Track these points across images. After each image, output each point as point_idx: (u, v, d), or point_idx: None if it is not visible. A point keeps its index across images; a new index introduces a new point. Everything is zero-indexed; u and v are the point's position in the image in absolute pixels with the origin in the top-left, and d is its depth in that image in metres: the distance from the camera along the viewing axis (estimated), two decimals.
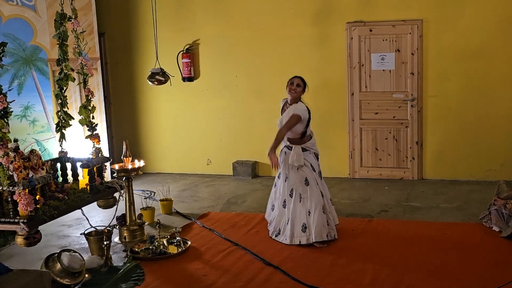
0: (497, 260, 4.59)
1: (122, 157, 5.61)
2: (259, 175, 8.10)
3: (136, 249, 5.01)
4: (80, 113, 5.13)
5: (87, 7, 7.26)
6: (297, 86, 5.18)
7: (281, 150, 5.35)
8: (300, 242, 5.07)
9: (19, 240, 4.00)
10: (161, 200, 6.39)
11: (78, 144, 6.04)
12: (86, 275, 4.45)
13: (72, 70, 5.11)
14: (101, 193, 4.96)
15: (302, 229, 5.07)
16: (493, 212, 5.29)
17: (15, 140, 4.14)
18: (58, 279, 4.22)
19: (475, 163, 7.28)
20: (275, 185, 5.49)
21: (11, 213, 4.01)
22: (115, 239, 5.42)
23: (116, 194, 5.18)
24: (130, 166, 5.54)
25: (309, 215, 5.06)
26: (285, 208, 5.24)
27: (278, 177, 5.42)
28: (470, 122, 7.25)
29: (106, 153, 6.79)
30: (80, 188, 4.86)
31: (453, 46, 7.18)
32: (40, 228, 4.20)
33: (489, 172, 7.23)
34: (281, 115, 5.33)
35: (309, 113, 5.20)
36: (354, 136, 7.63)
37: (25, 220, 3.94)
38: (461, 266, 4.50)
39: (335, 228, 5.22)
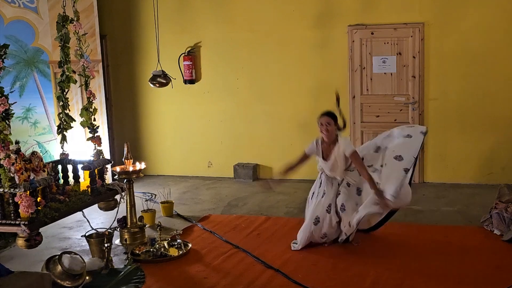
0: (498, 264, 4.58)
1: (123, 159, 5.61)
2: (260, 177, 8.09)
3: (137, 252, 5.01)
4: (81, 115, 5.14)
5: (89, 9, 7.27)
6: (328, 124, 4.92)
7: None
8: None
9: (20, 242, 3.99)
10: (162, 203, 6.38)
11: (80, 146, 6.05)
12: (87, 277, 4.45)
13: (74, 72, 5.12)
14: (102, 195, 4.96)
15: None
16: (495, 215, 5.28)
17: (17, 142, 4.14)
18: (59, 281, 4.22)
19: (477, 166, 7.27)
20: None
21: (12, 215, 4.00)
22: (116, 241, 5.41)
23: (117, 196, 5.18)
24: (131, 168, 5.53)
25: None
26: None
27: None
28: (471, 125, 7.25)
29: (107, 155, 6.80)
30: (81, 190, 4.86)
31: (454, 49, 7.18)
32: (41, 230, 4.20)
33: (491, 175, 7.22)
34: (319, 156, 5.05)
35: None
36: (356, 139, 7.63)
37: (26, 222, 3.94)
38: (462, 270, 4.49)
39: None
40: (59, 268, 4.27)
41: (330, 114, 5.00)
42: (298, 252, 4.98)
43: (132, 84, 8.54)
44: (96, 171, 4.89)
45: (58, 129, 5.13)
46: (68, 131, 5.17)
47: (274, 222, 5.90)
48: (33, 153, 4.40)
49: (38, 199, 4.13)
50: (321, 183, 5.17)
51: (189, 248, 5.11)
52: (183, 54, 8.13)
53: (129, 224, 5.47)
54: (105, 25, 8.26)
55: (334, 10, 7.52)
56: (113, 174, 6.23)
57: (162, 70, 7.42)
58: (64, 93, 5.08)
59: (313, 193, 5.27)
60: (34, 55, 6.70)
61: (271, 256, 4.89)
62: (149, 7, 7.83)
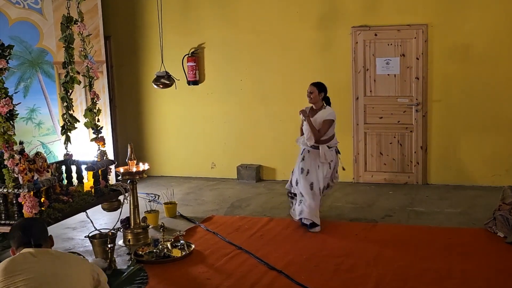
0: (501, 266, 4.57)
1: (127, 160, 5.62)
2: (263, 179, 8.10)
3: (140, 252, 5.02)
4: (85, 116, 5.16)
5: (93, 10, 7.30)
6: (310, 93, 5.67)
7: (303, 149, 5.75)
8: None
9: None
10: (165, 203, 6.39)
11: (83, 147, 6.06)
12: None
13: (78, 73, 5.15)
14: (106, 196, 4.99)
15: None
16: (498, 217, 5.27)
17: (21, 143, 4.16)
18: None
19: (480, 168, 7.26)
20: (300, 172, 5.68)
21: (15, 215, 4.02)
22: (119, 242, 5.41)
23: (121, 197, 5.20)
24: (134, 169, 5.54)
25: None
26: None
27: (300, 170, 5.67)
28: (475, 127, 7.23)
29: (111, 156, 6.81)
30: (84, 190, 4.88)
31: (458, 51, 7.17)
32: None
33: (494, 177, 7.20)
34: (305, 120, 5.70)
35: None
36: (359, 141, 7.63)
37: None
38: (465, 272, 4.48)
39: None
40: None
41: (315, 84, 5.69)
42: (301, 254, 4.98)
43: (136, 85, 8.56)
44: (99, 171, 4.91)
45: (62, 130, 5.15)
46: (72, 131, 5.19)
47: (277, 223, 5.90)
48: (37, 154, 4.43)
49: (42, 199, 4.15)
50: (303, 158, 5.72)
51: (192, 249, 5.11)
52: (187, 55, 8.14)
53: (132, 224, 5.48)
54: (109, 26, 8.28)
55: (337, 12, 7.52)
56: (116, 175, 6.26)
57: (166, 71, 7.44)
58: (68, 94, 5.11)
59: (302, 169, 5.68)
60: (38, 56, 6.73)
61: (274, 258, 4.89)
62: (153, 8, 7.84)
